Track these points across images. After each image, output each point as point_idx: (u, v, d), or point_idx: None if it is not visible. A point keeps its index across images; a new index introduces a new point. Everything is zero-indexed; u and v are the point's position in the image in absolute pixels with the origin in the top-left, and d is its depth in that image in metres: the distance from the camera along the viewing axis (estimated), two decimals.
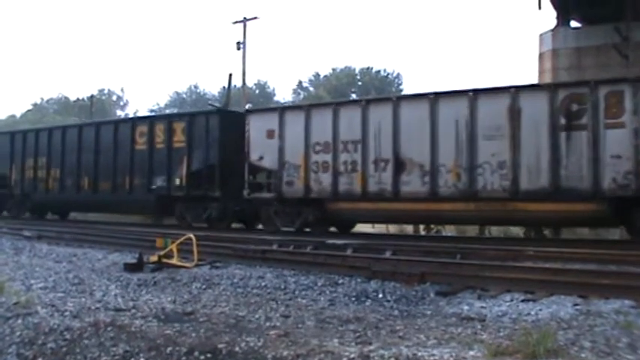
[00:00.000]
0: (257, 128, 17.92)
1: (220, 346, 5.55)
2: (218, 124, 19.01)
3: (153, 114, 22.65)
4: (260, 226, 19.02)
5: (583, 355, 4.97)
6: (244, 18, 37.26)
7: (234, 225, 19.89)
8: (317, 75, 76.25)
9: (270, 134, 17.62)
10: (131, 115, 48.97)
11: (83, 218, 25.71)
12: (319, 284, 9.34)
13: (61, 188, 23.38)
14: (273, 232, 16.76)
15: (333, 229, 18.32)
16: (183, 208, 19.73)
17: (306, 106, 17.73)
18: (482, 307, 7.57)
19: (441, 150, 15.05)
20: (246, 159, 17.99)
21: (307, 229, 17.13)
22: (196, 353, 5.51)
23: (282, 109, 18.00)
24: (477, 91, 14.86)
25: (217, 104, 40.64)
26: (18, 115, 76.43)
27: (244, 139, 18.02)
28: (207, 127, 19.11)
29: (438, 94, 15.33)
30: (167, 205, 20.10)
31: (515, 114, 14.30)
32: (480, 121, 14.65)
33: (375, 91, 52.56)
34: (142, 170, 20.54)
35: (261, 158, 17.75)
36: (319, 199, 16.75)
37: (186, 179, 19.35)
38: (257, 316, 7.01)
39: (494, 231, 19.10)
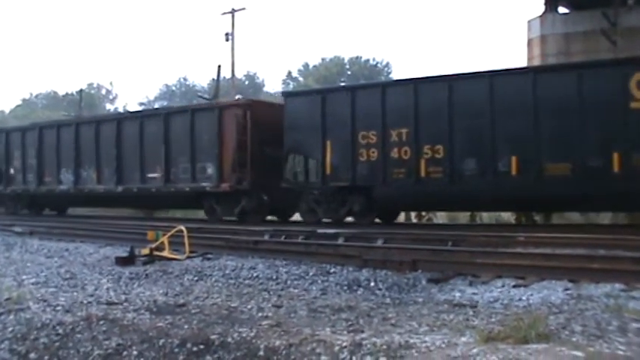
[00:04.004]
0: None
1: (213, 337, 5.56)
2: None
3: None
4: None
5: (574, 339, 4.99)
6: (232, 9, 37.07)
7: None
8: (306, 65, 76.15)
9: None
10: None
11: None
12: (311, 274, 9.34)
13: (452, 176, 14.60)
14: None
15: None
16: None
17: None
18: (473, 293, 7.62)
19: None
20: None
21: None
22: (189, 345, 5.52)
23: None
24: None
25: (207, 96, 40.50)
26: (7, 110, 76.17)
27: None
28: None
29: None
30: None
31: None
32: None
33: (365, 80, 52.63)
34: None
35: None
36: None
37: None
38: (249, 306, 7.00)
39: (485, 217, 19.14)
